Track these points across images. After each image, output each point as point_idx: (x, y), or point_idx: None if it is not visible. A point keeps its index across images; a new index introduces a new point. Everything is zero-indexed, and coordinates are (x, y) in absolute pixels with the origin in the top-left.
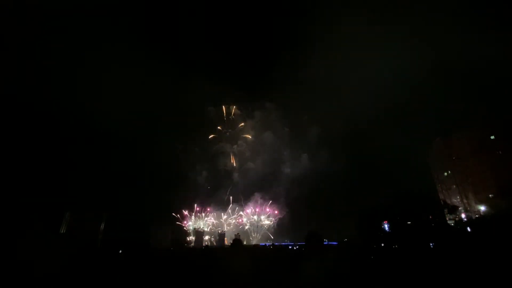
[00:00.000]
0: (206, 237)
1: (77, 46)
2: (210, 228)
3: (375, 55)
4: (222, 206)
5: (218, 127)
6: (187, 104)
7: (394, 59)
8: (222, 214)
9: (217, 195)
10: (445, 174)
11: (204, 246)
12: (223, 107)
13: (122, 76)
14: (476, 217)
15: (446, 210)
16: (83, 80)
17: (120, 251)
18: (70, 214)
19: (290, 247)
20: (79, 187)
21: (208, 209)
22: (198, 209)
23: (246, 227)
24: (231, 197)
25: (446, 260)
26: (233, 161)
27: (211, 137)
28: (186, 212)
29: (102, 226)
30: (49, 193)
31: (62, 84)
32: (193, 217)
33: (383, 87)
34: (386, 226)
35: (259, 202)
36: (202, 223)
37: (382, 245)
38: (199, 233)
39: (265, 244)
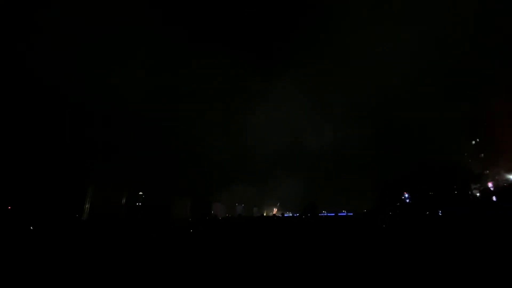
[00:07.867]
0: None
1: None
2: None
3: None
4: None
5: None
6: (206, 77)
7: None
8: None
9: (238, 169)
10: (473, 142)
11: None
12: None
13: (142, 53)
14: (504, 185)
15: (470, 179)
16: (104, 56)
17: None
18: (92, 189)
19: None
20: (101, 163)
21: None
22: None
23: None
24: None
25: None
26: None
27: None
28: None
29: (123, 201)
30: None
31: (83, 61)
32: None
33: (407, 51)
34: (406, 196)
35: (279, 174)
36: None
37: (397, 212)
38: (218, 206)
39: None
